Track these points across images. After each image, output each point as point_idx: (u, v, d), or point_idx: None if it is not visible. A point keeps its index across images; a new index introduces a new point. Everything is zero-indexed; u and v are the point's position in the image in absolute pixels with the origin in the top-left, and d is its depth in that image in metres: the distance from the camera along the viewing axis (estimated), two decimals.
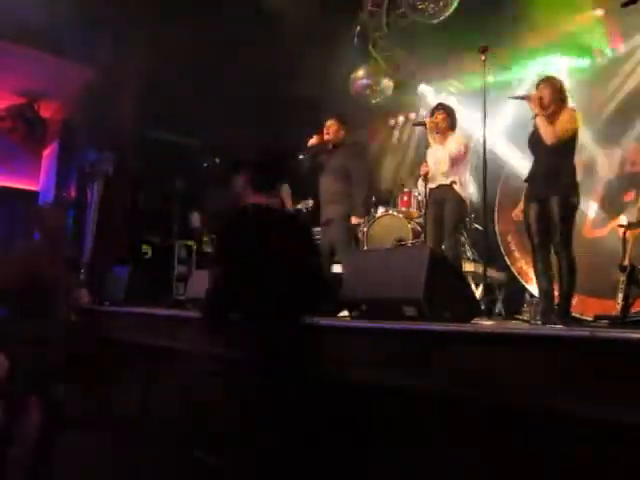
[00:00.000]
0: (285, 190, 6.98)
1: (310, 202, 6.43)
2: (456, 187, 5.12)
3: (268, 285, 2.46)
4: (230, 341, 2.58)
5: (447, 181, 5.15)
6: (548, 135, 4.27)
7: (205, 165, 7.50)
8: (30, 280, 3.38)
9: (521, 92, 5.00)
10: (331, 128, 5.55)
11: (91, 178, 8.71)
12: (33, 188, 9.89)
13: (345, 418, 2.94)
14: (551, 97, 4.40)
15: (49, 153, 9.74)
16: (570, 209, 4.26)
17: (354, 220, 5.43)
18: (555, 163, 4.31)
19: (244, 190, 2.67)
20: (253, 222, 2.58)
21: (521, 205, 4.67)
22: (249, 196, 2.63)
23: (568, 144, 4.33)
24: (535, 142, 4.46)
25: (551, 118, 4.35)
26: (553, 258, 4.36)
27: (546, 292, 4.37)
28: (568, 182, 4.29)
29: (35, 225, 3.78)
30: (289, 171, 2.81)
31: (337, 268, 6.41)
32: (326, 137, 5.55)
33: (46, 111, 9.30)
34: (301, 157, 5.59)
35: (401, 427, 2.70)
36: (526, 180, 4.60)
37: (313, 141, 5.60)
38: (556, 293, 4.35)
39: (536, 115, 4.37)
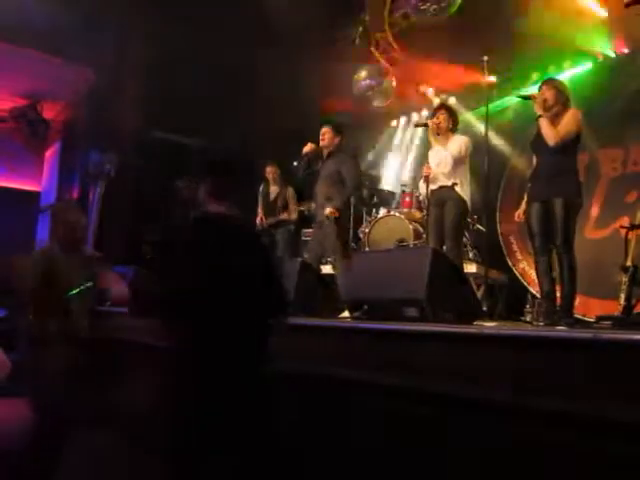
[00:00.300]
0: (290, 194, 7.02)
1: (313, 205, 6.50)
2: (457, 188, 5.12)
3: (217, 290, 2.45)
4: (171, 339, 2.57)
5: (448, 182, 5.15)
6: (550, 136, 4.28)
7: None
8: (47, 279, 3.36)
9: (528, 92, 5.02)
10: (326, 135, 5.62)
11: (93, 179, 8.72)
12: (35, 189, 9.92)
13: (342, 419, 2.95)
14: (554, 99, 4.41)
15: (51, 154, 9.76)
16: (573, 210, 4.27)
17: (328, 209, 5.41)
18: (558, 164, 4.32)
19: (205, 198, 2.67)
20: (210, 230, 2.59)
21: (524, 206, 4.68)
22: (209, 204, 2.64)
23: (571, 145, 4.34)
24: (538, 143, 4.47)
25: (554, 120, 4.36)
26: (554, 259, 4.36)
27: (548, 293, 4.38)
28: (571, 183, 4.30)
29: (55, 222, 3.70)
30: (248, 180, 2.79)
31: (327, 269, 6.46)
32: (321, 143, 5.64)
33: (48, 112, 9.32)
34: (295, 164, 5.66)
35: (400, 428, 2.70)
36: (529, 181, 4.61)
37: (307, 149, 5.70)
38: (558, 294, 4.36)
39: (540, 116, 4.38)
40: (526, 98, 4.70)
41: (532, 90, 5.42)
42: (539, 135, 4.44)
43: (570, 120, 4.32)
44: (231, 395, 2.42)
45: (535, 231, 4.43)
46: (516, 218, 4.88)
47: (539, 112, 4.39)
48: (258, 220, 7.07)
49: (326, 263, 6.62)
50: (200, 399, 2.41)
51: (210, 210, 2.63)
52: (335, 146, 5.65)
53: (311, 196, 5.92)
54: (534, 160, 4.67)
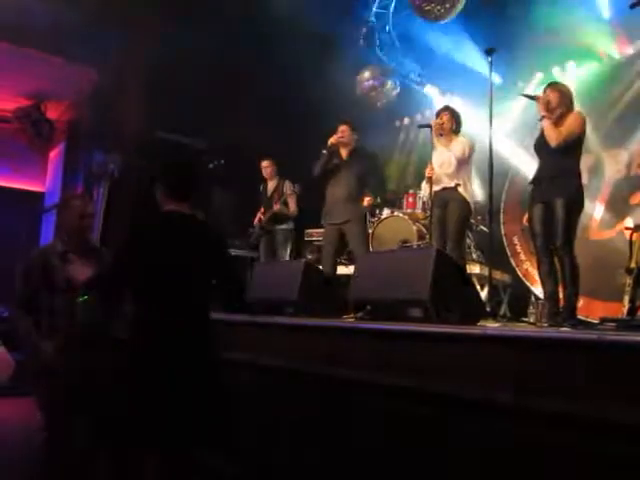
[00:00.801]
0: (288, 187, 6.91)
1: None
2: (460, 189, 5.13)
3: (168, 280, 2.67)
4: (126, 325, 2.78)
5: (452, 183, 5.16)
6: (552, 137, 4.28)
7: (210, 166, 7.49)
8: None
9: (533, 92, 5.03)
10: (345, 132, 5.71)
11: (97, 179, 8.72)
12: (39, 189, 9.94)
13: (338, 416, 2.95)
14: (558, 101, 4.42)
15: (55, 154, 9.78)
16: (574, 211, 4.27)
17: (367, 201, 5.72)
18: (560, 165, 4.33)
19: (162, 197, 2.86)
20: (167, 225, 2.82)
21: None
22: (165, 203, 2.84)
23: (573, 147, 4.34)
24: (541, 144, 4.48)
25: (558, 122, 4.37)
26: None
27: (551, 294, 4.37)
28: (573, 185, 4.30)
29: (63, 208, 3.66)
30: (198, 180, 2.97)
31: (343, 269, 6.46)
32: (341, 140, 5.68)
33: (53, 113, 9.34)
34: (324, 152, 5.65)
35: (401, 428, 2.70)
36: (531, 182, 4.61)
37: (333, 140, 5.69)
38: (561, 295, 4.35)
39: (543, 117, 4.38)
40: (530, 98, 4.71)
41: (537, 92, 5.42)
42: (542, 136, 4.45)
43: (573, 122, 4.32)
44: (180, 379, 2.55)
45: (537, 232, 4.44)
46: (525, 222, 4.87)
47: (542, 113, 4.40)
48: (256, 219, 6.99)
49: (340, 263, 6.63)
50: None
51: (167, 209, 2.83)
52: (354, 143, 5.77)
53: (323, 194, 5.88)
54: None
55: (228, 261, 3.00)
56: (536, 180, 4.55)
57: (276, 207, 6.75)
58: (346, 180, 5.63)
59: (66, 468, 3.03)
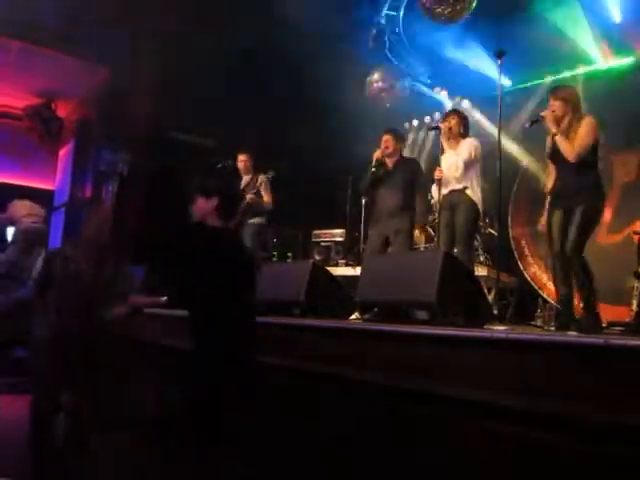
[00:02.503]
0: (262, 180, 6.64)
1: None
2: (468, 192, 5.11)
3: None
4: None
5: (460, 186, 5.15)
6: (568, 152, 4.20)
7: (219, 166, 7.50)
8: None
9: (532, 117, 4.94)
10: (389, 142, 5.64)
11: (106, 178, 8.76)
12: (49, 187, 9.99)
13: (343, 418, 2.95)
14: (563, 109, 4.33)
15: (65, 153, 9.82)
16: (593, 221, 4.23)
17: (417, 235, 5.73)
18: (579, 175, 4.25)
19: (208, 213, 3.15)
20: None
21: (545, 215, 4.59)
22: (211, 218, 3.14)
23: (589, 156, 4.25)
24: (555, 153, 4.37)
25: (568, 131, 4.29)
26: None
27: (567, 297, 4.32)
28: (594, 192, 4.25)
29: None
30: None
31: (351, 271, 6.46)
32: (386, 151, 5.62)
33: (62, 111, 9.39)
34: (373, 169, 5.59)
35: (407, 430, 2.70)
36: (549, 193, 4.53)
37: (378, 154, 5.64)
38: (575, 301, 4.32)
39: (554, 134, 4.32)
40: (536, 122, 4.61)
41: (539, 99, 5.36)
42: (554, 146, 4.36)
43: (584, 132, 4.23)
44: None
45: (555, 237, 4.35)
46: (540, 229, 4.75)
47: (553, 130, 4.32)
48: None
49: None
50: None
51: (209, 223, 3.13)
52: (399, 152, 5.73)
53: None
54: (549, 167, 4.63)
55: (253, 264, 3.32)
56: (556, 188, 4.47)
57: (249, 197, 6.48)
58: (393, 192, 5.57)
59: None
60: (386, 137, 5.66)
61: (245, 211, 6.51)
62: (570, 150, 4.21)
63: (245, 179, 6.89)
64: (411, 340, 2.87)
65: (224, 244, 3.11)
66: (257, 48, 7.39)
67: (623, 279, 5.39)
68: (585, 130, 4.24)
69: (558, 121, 4.33)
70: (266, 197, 6.64)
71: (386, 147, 5.61)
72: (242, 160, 6.90)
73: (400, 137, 5.80)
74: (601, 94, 6.86)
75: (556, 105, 4.35)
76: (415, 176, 5.60)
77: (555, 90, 4.53)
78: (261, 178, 6.72)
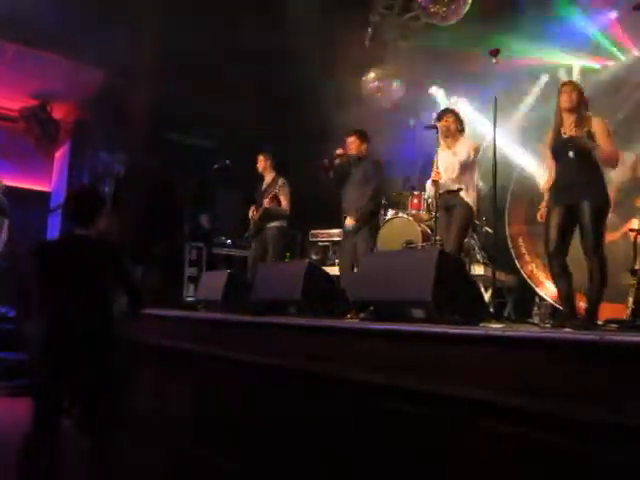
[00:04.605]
0: (281, 183, 6.73)
1: None
2: (462, 193, 5.13)
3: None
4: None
5: (455, 187, 5.16)
6: (614, 161, 4.30)
7: (215, 167, 7.50)
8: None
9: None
10: (353, 144, 5.84)
11: (103, 179, 8.76)
12: (45, 189, 9.98)
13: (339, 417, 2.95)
14: (578, 100, 4.37)
15: (61, 154, 9.82)
16: (603, 215, 4.22)
17: (348, 220, 5.76)
18: (585, 169, 4.26)
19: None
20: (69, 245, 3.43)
21: (544, 206, 4.59)
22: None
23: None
24: (562, 148, 4.38)
25: (580, 121, 4.33)
26: (568, 261, 4.31)
27: (567, 295, 4.31)
28: (600, 188, 4.25)
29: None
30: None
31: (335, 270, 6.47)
32: (349, 152, 5.83)
33: (58, 112, 9.39)
34: (339, 163, 5.84)
35: (403, 428, 2.70)
36: (551, 187, 4.53)
37: (340, 152, 5.84)
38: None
39: (595, 147, 4.23)
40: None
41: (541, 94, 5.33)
42: (562, 142, 4.38)
43: (605, 132, 4.26)
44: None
45: (552, 234, 4.34)
46: (539, 218, 4.72)
47: (586, 144, 4.25)
48: (250, 213, 6.81)
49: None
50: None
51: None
52: (363, 153, 5.87)
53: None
54: (547, 163, 4.63)
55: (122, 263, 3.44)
56: (558, 184, 4.45)
57: (266, 203, 6.57)
58: (352, 190, 5.81)
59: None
60: (350, 139, 5.88)
61: (262, 216, 6.66)
62: (616, 157, 4.27)
63: (267, 180, 6.98)
64: (408, 339, 2.86)
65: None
66: (257, 49, 7.39)
67: (620, 277, 5.39)
68: (603, 129, 4.28)
69: (572, 109, 4.36)
70: (284, 202, 6.73)
71: (350, 149, 5.83)
72: (261, 160, 7.02)
73: (365, 137, 5.94)
74: (598, 92, 6.86)
75: (573, 95, 4.36)
76: (369, 177, 5.76)
77: (569, 82, 4.61)
78: (281, 180, 6.81)
